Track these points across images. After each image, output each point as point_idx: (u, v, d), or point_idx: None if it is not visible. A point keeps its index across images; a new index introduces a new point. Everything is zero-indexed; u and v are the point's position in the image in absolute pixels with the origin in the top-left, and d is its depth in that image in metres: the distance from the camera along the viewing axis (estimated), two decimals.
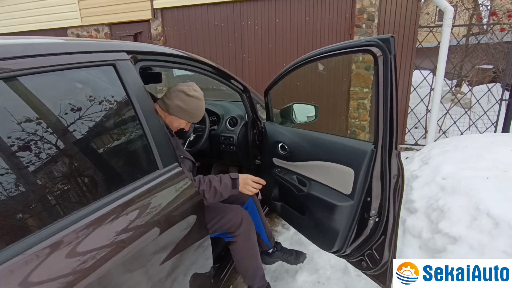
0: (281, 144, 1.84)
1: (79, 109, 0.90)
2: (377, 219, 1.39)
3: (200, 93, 1.55)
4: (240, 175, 1.44)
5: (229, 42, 4.42)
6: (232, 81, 1.92)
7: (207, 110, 2.19)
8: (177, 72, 3.62)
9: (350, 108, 4.10)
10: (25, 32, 5.20)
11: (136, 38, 4.69)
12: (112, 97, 1.01)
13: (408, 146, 4.27)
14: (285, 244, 2.33)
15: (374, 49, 1.07)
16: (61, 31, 5.00)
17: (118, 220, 0.86)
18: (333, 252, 1.58)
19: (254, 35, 4.31)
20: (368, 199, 1.35)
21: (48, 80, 0.84)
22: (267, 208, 2.31)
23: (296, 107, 2.04)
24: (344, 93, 4.13)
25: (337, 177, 1.47)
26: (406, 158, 3.91)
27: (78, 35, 4.94)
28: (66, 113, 0.84)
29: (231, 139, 2.08)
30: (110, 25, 4.83)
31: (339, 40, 3.99)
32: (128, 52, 1.08)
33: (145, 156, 1.08)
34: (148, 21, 4.59)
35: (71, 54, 0.88)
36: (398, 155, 1.25)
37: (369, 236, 1.45)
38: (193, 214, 1.16)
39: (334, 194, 1.47)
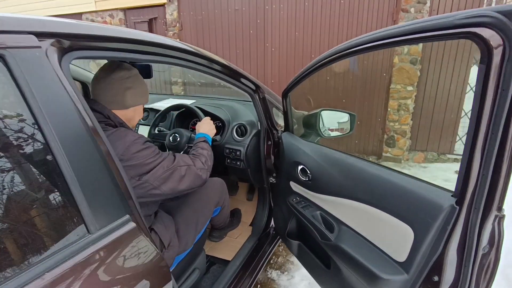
0: (301, 166, 1.36)
1: None
2: None
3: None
4: (200, 129, 1.42)
5: (250, 29, 3.92)
6: (242, 79, 1.45)
7: (207, 113, 1.74)
8: None
9: (389, 109, 3.48)
10: None
11: (150, 24, 4.31)
12: None
13: (459, 157, 3.59)
14: (303, 284, 1.86)
15: (486, 33, 0.55)
16: (76, 17, 4.74)
17: None
18: None
19: (279, 21, 3.77)
20: (435, 278, 0.85)
21: None
22: (280, 239, 1.84)
23: (325, 114, 1.54)
24: (382, 91, 3.51)
25: (384, 233, 0.98)
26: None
27: (92, 21, 4.64)
28: None
29: (238, 152, 1.62)
30: (125, 10, 4.48)
31: (380, 27, 3.36)
32: (42, 35, 0.64)
33: (60, 212, 0.64)
34: (163, 5, 4.18)
35: None
36: (499, 220, 0.73)
37: None
38: None
39: (377, 257, 0.99)
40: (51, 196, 0.63)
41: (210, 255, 1.71)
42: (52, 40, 0.66)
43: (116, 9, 4.47)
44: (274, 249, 1.84)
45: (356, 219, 1.10)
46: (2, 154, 0.56)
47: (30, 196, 0.61)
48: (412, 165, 3.56)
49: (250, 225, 2.01)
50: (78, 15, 4.75)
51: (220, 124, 1.78)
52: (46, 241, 0.61)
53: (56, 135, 0.62)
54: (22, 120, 0.59)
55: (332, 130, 1.69)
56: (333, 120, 1.58)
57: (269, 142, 1.66)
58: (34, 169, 0.61)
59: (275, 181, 1.72)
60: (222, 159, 1.70)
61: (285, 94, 1.44)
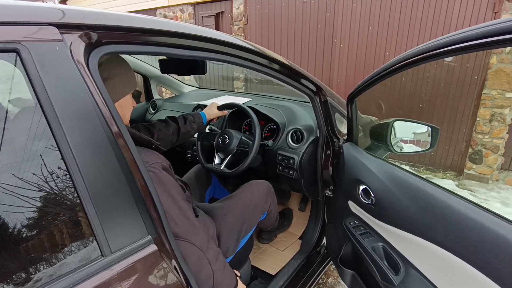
0: (363, 187, 1.14)
1: None
2: None
3: None
4: None
5: (318, 24, 3.66)
6: (302, 80, 1.28)
7: (261, 114, 1.60)
8: None
9: (478, 119, 2.93)
10: None
11: (217, 18, 4.34)
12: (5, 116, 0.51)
13: None
14: None
15: None
16: (151, 12, 5.02)
17: None
18: None
19: (351, 14, 3.44)
20: None
21: None
22: (330, 261, 1.64)
23: (398, 126, 1.28)
24: (471, 96, 2.97)
25: None
26: None
27: (165, 16, 4.87)
28: None
29: (291, 161, 1.46)
30: (194, 4, 4.59)
31: (476, 22, 2.83)
32: (65, 27, 0.56)
33: (69, 228, 0.56)
34: None
35: None
36: None
37: None
38: None
39: None
40: (59, 211, 0.56)
41: (252, 265, 1.59)
42: (78, 33, 0.58)
43: (187, 3, 4.60)
44: (324, 270, 1.65)
45: (432, 266, 0.86)
46: (9, 161, 0.50)
47: (34, 208, 0.53)
48: (503, 188, 2.96)
49: (299, 238, 1.84)
50: (152, 11, 5.03)
51: (274, 127, 1.63)
52: (51, 262, 0.54)
53: (70, 142, 0.53)
54: (35, 123, 0.52)
55: (405, 141, 1.42)
56: (407, 132, 1.31)
57: (328, 152, 1.46)
58: (43, 179, 0.54)
59: (331, 195, 1.52)
60: (274, 165, 1.55)
61: (350, 99, 1.22)
